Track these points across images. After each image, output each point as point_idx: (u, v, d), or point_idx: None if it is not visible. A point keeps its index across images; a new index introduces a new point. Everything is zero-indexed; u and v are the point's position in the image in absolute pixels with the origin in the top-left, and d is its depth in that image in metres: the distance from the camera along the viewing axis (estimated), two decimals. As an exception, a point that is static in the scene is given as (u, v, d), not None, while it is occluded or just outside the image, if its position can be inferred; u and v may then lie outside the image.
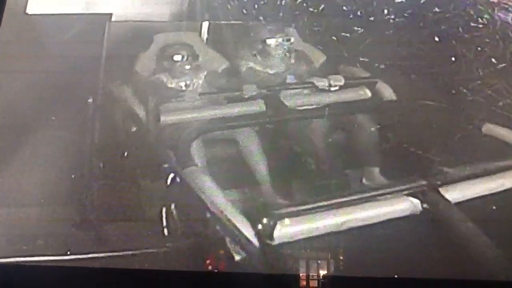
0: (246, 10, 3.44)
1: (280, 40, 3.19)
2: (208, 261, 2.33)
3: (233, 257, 2.20)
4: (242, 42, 3.37)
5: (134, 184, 2.79)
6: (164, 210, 2.63)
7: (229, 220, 2.17)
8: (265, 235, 2.11)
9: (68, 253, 2.41)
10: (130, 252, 2.43)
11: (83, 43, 3.14)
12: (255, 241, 2.10)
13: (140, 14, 3.35)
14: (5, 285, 2.25)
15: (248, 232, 2.12)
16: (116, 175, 2.81)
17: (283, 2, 3.48)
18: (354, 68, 3.32)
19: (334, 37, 3.38)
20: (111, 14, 3.29)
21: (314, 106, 3.05)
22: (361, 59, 3.30)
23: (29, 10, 3.20)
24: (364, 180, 2.98)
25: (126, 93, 3.11)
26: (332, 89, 3.06)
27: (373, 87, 3.12)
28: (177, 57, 3.12)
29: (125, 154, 2.86)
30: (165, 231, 2.61)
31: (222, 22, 3.40)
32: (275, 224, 2.10)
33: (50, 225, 2.58)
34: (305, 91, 3.09)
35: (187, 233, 2.56)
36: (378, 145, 2.99)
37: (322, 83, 3.05)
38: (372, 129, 2.99)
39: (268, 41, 3.18)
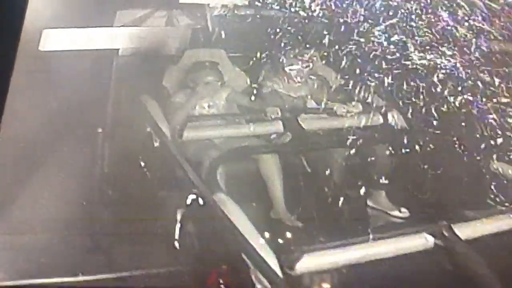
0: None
1: (299, 67, 3.25)
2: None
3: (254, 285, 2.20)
4: (266, 65, 3.43)
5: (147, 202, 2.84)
6: (179, 225, 2.66)
7: (254, 249, 2.19)
8: (288, 266, 2.11)
9: (80, 274, 2.41)
10: (139, 272, 2.45)
11: (93, 77, 3.22)
12: (277, 270, 2.12)
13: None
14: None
15: (272, 262, 2.14)
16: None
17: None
18: (369, 94, 3.28)
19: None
20: (118, 49, 3.37)
21: (331, 130, 3.12)
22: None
23: (42, 47, 3.22)
24: (369, 202, 3.00)
25: (153, 108, 3.16)
26: (349, 115, 3.11)
27: (386, 114, 3.15)
28: (201, 79, 3.15)
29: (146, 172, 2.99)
30: (176, 244, 2.64)
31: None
32: (299, 258, 2.09)
33: (61, 250, 2.57)
34: (323, 115, 3.14)
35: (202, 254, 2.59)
36: (388, 171, 3.01)
37: (341, 109, 3.09)
38: (386, 153, 3.01)
39: (289, 69, 3.25)
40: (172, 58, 3.35)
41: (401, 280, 2.28)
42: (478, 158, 2.89)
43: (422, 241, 2.28)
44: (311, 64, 3.30)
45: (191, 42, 3.46)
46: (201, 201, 2.62)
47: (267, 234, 2.32)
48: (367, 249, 2.21)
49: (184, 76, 3.27)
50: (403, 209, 2.92)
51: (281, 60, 3.31)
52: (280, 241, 2.47)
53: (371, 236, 2.24)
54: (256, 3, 3.52)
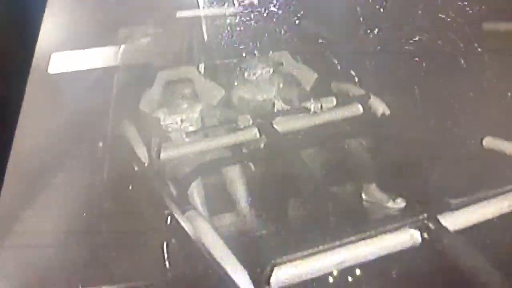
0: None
1: (259, 71, 3.21)
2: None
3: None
4: (232, 74, 3.37)
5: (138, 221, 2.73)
6: (165, 244, 2.56)
7: (224, 269, 1.99)
8: (263, 281, 1.90)
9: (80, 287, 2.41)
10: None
11: (96, 94, 3.22)
12: None
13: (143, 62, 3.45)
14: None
15: (244, 281, 1.93)
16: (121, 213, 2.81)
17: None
18: (347, 84, 3.21)
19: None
20: (118, 66, 3.41)
21: (307, 129, 2.93)
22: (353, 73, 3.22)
23: (50, 70, 3.33)
24: (363, 195, 2.84)
25: (131, 133, 3.08)
26: (324, 110, 2.93)
27: (365, 102, 2.98)
28: (175, 95, 3.13)
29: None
30: (167, 264, 2.55)
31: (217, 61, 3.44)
32: (271, 271, 1.88)
33: (62, 262, 2.57)
34: (299, 115, 2.95)
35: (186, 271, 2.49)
36: (373, 161, 2.85)
37: (314, 106, 2.91)
38: (364, 144, 2.85)
39: (248, 73, 3.22)
40: (147, 80, 3.30)
41: (388, 282, 2.04)
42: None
43: (407, 237, 2.02)
44: (271, 70, 3.18)
45: (188, 55, 3.49)
46: (180, 220, 2.46)
47: (239, 250, 2.10)
48: (348, 252, 1.96)
49: (159, 97, 3.20)
50: (398, 199, 2.70)
51: (243, 66, 3.25)
52: (253, 255, 2.23)
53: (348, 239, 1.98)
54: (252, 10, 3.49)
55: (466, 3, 3.05)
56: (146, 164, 2.87)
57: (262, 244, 2.49)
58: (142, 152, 2.90)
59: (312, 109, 2.90)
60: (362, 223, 2.50)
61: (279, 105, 3.08)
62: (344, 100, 2.97)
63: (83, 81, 3.30)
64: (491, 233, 2.16)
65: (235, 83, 3.25)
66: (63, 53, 3.40)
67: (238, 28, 3.43)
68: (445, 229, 2.01)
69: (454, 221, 2.06)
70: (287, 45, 3.40)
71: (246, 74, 3.20)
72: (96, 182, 2.97)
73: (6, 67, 3.04)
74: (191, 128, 3.07)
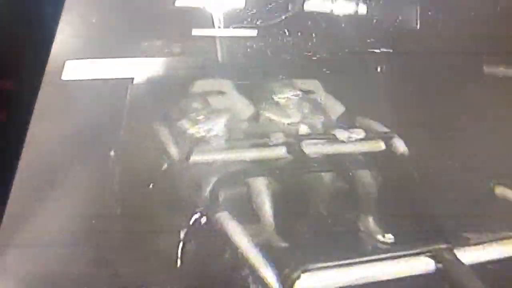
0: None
1: (288, 95, 3.30)
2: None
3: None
4: (259, 95, 3.46)
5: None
6: (181, 244, 2.63)
7: (254, 266, 2.16)
8: (288, 285, 2.07)
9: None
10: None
11: (109, 104, 3.25)
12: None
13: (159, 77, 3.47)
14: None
15: (272, 280, 2.10)
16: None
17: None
18: (370, 121, 3.33)
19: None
20: (132, 78, 3.44)
21: (332, 155, 3.05)
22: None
23: (64, 77, 3.31)
24: (360, 226, 2.90)
25: (162, 133, 3.19)
26: (351, 141, 3.04)
27: (388, 140, 3.11)
28: (189, 108, 3.24)
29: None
30: (179, 262, 2.61)
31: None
32: (299, 276, 2.06)
33: (69, 263, 2.60)
34: (324, 141, 3.07)
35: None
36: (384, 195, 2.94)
37: (343, 135, 3.04)
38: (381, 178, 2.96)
39: (276, 97, 3.30)
40: (181, 88, 3.37)
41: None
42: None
43: (422, 264, 2.17)
44: (300, 93, 3.28)
45: (201, 72, 3.58)
46: (203, 221, 2.61)
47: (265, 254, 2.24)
48: (367, 269, 2.12)
49: (189, 106, 3.29)
50: (388, 235, 2.76)
51: (271, 89, 3.35)
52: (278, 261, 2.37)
53: (372, 257, 2.15)
54: (266, 35, 3.61)
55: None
56: (176, 162, 2.96)
57: (285, 254, 2.57)
58: (173, 151, 3.00)
59: (341, 138, 3.01)
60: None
61: (304, 129, 3.18)
62: (370, 134, 3.10)
63: (97, 90, 3.33)
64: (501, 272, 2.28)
65: (263, 104, 3.34)
66: (78, 61, 3.44)
67: (256, 51, 3.53)
68: (459, 261, 2.15)
69: (469, 255, 2.21)
70: (316, 73, 3.51)
71: (274, 97, 3.28)
72: (107, 188, 3.00)
73: (19, 71, 3.08)
74: (219, 138, 3.12)
